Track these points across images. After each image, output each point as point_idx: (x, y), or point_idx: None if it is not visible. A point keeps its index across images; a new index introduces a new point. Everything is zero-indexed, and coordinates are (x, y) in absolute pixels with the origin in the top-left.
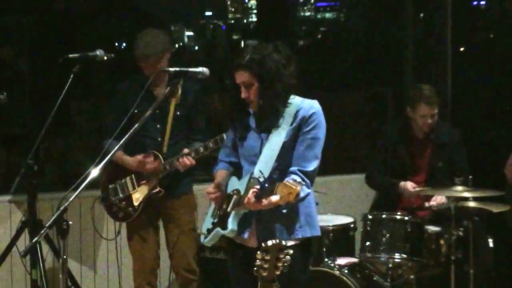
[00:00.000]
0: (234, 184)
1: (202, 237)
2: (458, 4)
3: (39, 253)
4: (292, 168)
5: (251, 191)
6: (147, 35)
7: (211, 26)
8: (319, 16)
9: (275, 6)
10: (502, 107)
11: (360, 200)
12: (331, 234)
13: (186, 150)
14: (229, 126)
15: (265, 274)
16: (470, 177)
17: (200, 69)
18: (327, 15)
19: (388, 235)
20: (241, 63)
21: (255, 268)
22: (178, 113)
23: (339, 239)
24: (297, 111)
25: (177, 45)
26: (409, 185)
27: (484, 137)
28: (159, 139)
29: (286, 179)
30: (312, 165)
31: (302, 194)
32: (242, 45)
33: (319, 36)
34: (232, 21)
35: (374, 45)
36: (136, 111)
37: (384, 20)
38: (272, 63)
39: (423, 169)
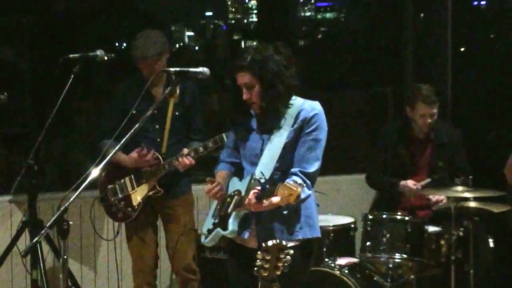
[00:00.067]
0: (235, 184)
1: (202, 237)
2: (458, 4)
3: (39, 253)
4: (293, 170)
5: (252, 192)
6: (145, 36)
7: (212, 26)
8: (319, 16)
9: (275, 6)
10: (502, 107)
11: (360, 200)
12: (332, 234)
13: (185, 150)
14: (229, 126)
15: (265, 274)
16: (470, 177)
17: (200, 69)
18: (327, 15)
19: (388, 235)
20: (243, 65)
21: (255, 268)
22: (176, 113)
23: (340, 239)
24: (299, 112)
25: (177, 45)
26: (410, 182)
27: (484, 137)
28: (158, 139)
29: (287, 181)
30: (314, 167)
31: (303, 196)
32: (243, 45)
33: (319, 36)
34: (233, 21)
35: (374, 45)
36: (134, 111)
37: (384, 20)
38: (274, 64)
39: (423, 169)
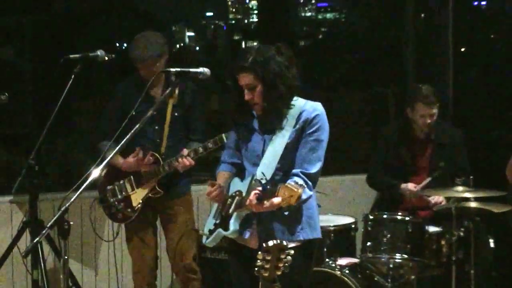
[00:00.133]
0: (237, 185)
1: (204, 238)
2: (459, 4)
3: (40, 254)
4: (295, 170)
5: (253, 192)
6: (144, 38)
7: (212, 26)
8: (320, 17)
9: (276, 7)
10: (503, 107)
11: (361, 200)
12: (332, 235)
13: (185, 151)
14: (229, 126)
15: (266, 274)
16: (471, 177)
17: (201, 69)
18: (328, 15)
19: (389, 235)
20: (245, 66)
21: (256, 269)
22: (175, 114)
23: (340, 239)
24: (300, 113)
25: (178, 46)
26: (410, 185)
27: (485, 137)
28: (158, 140)
29: (288, 181)
30: (315, 168)
31: (304, 197)
32: (243, 45)
33: (320, 36)
34: (233, 22)
35: (375, 45)
36: (134, 112)
37: (385, 20)
38: (275, 65)
39: (424, 169)
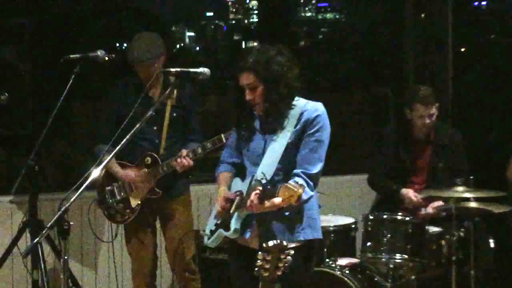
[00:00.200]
0: (237, 185)
1: (205, 238)
2: (459, 4)
3: (40, 254)
4: (296, 171)
5: (253, 193)
6: (141, 39)
7: (212, 26)
8: (320, 17)
9: (276, 7)
10: (503, 108)
11: (361, 200)
12: (332, 235)
13: (184, 151)
14: (228, 126)
15: (266, 274)
16: (471, 177)
17: (201, 69)
18: (328, 15)
19: (389, 235)
20: (246, 66)
21: (256, 269)
22: (174, 114)
23: (340, 239)
24: (301, 113)
25: (178, 46)
26: (411, 194)
27: (485, 137)
28: (156, 141)
29: (288, 182)
30: (316, 168)
31: (305, 197)
32: (243, 46)
33: (320, 36)
34: (233, 22)
35: (375, 45)
36: (132, 113)
37: (385, 21)
38: (277, 66)
39: (423, 169)
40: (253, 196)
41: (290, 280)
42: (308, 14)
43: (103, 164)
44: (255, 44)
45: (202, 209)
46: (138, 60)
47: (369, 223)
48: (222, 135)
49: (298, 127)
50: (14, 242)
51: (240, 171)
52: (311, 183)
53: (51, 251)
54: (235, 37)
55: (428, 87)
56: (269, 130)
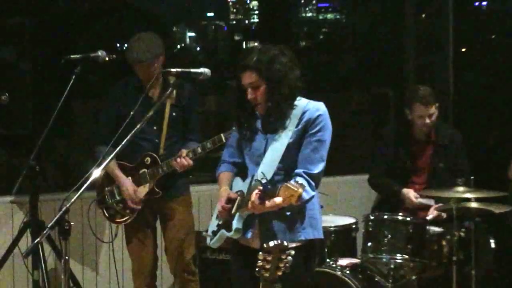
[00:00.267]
0: (238, 185)
1: (208, 239)
2: (459, 5)
3: (41, 254)
4: (298, 170)
5: (254, 192)
6: (140, 39)
7: (213, 27)
8: (320, 17)
9: (276, 7)
10: (504, 108)
11: (362, 201)
12: (333, 235)
13: (183, 151)
14: (228, 126)
15: (267, 275)
16: (472, 177)
17: (201, 70)
18: (329, 16)
19: (389, 236)
20: (249, 64)
21: (256, 269)
22: (173, 113)
23: (341, 240)
24: (303, 113)
25: (178, 46)
26: (412, 194)
27: (486, 137)
28: (156, 140)
29: (289, 181)
30: (318, 168)
31: (306, 196)
32: (244, 46)
33: (321, 37)
34: (234, 22)
35: (375, 46)
36: (132, 113)
37: (386, 21)
38: (279, 65)
39: (424, 170)
40: (253, 196)
41: (291, 280)
42: (309, 14)
43: (104, 164)
44: (256, 44)
45: (203, 209)
46: (138, 60)
47: (370, 223)
48: (222, 135)
49: (299, 126)
50: (15, 242)
51: (241, 171)
52: (313, 183)
53: (52, 252)
54: (236, 38)
55: (427, 87)
56: (271, 129)
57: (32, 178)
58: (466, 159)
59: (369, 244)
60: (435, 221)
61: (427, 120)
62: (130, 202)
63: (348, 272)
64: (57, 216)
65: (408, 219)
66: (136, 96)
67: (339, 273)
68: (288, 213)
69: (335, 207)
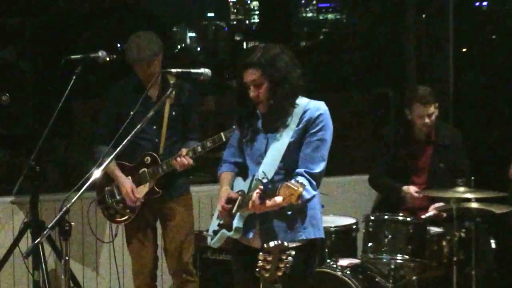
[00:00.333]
0: (239, 185)
1: (209, 239)
2: (460, 5)
3: (41, 254)
4: (299, 170)
5: (255, 192)
6: (138, 38)
7: (213, 27)
8: (321, 17)
9: (277, 7)
10: (504, 108)
11: (362, 201)
12: (333, 235)
13: (183, 151)
14: (227, 126)
15: (267, 275)
16: (472, 178)
17: (202, 70)
18: (329, 16)
19: (390, 236)
20: (252, 62)
21: (257, 269)
22: (173, 113)
23: (341, 240)
24: (304, 112)
25: (179, 46)
26: (412, 189)
27: (486, 138)
28: (156, 140)
29: (289, 181)
30: (319, 167)
31: (307, 196)
32: (245, 46)
33: (321, 37)
34: (234, 22)
35: (376, 46)
36: (132, 113)
37: (386, 21)
38: (282, 63)
39: (424, 170)
40: (254, 196)
41: (291, 280)
42: (309, 14)
43: (104, 165)
44: (257, 44)
45: (203, 209)
46: (136, 59)
47: (370, 223)
48: (222, 134)
49: (300, 126)
50: (15, 242)
51: (242, 171)
52: (314, 183)
53: (52, 252)
54: (236, 38)
55: (426, 87)
56: (271, 129)
57: (32, 178)
58: (466, 159)
59: (370, 244)
60: (435, 222)
61: (427, 120)
62: (128, 201)
63: (348, 272)
64: (58, 217)
65: (408, 219)
66: (136, 96)
67: (340, 273)
68: (289, 213)
69: (336, 208)
